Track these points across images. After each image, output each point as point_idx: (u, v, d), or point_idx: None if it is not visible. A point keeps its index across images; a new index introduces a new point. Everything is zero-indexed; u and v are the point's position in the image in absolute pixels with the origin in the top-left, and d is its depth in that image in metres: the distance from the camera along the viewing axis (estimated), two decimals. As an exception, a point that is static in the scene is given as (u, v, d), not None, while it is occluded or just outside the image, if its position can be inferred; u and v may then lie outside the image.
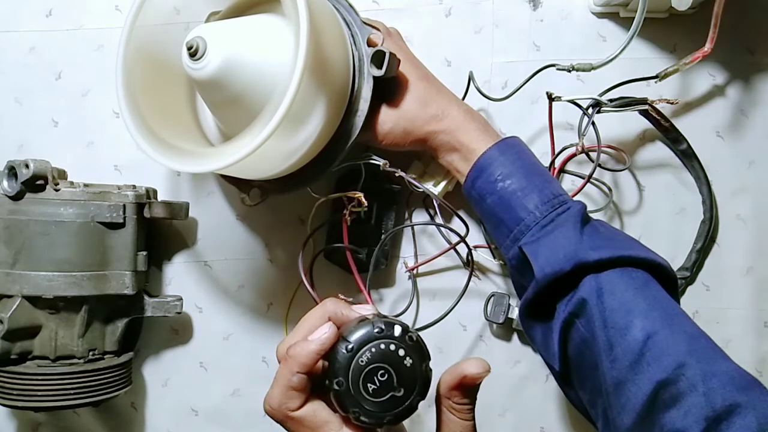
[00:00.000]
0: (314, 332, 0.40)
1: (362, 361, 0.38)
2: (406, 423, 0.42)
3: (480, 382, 0.41)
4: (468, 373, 0.41)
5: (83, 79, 0.63)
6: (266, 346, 0.63)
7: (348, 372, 0.38)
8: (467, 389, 0.41)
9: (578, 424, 0.62)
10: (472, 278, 0.59)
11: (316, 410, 0.40)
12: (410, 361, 0.39)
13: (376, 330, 0.39)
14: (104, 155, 0.63)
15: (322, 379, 0.40)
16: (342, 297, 0.44)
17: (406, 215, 0.63)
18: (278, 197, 0.55)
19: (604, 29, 0.62)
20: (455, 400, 0.41)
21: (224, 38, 0.44)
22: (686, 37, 0.61)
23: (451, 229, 0.58)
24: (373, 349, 0.39)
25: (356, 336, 0.39)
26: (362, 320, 0.40)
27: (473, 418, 0.42)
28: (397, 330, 0.39)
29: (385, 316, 0.41)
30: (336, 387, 0.39)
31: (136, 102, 0.47)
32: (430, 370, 0.40)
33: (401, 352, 0.39)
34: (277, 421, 0.40)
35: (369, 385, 0.38)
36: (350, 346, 0.39)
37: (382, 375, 0.39)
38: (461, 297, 0.58)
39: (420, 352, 0.40)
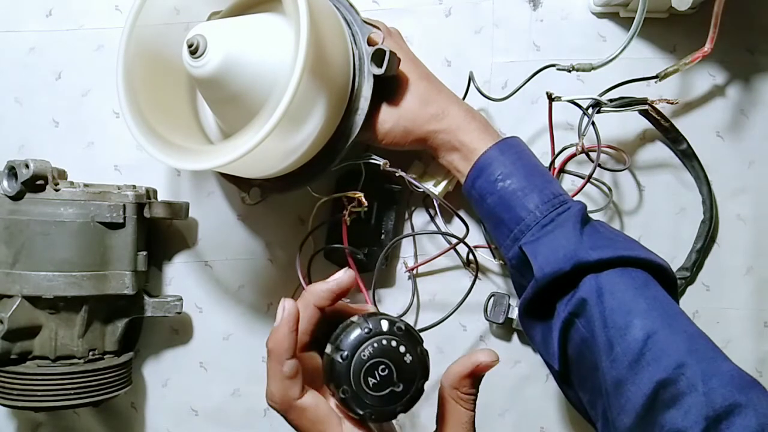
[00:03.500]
0: (276, 317, 0.40)
1: (360, 361, 0.39)
2: (402, 417, 0.43)
3: (484, 374, 0.42)
4: (481, 362, 0.41)
5: (83, 79, 0.63)
6: (266, 346, 0.63)
7: (349, 378, 0.39)
8: (476, 378, 0.42)
9: (578, 424, 0.62)
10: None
11: (318, 403, 0.40)
12: (404, 348, 0.39)
13: (364, 331, 0.39)
14: (104, 155, 0.63)
15: (320, 340, 0.41)
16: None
17: (406, 215, 0.63)
18: (278, 197, 0.55)
19: (604, 29, 0.62)
20: (464, 390, 0.42)
21: (225, 36, 0.44)
22: (686, 37, 0.61)
23: (452, 235, 0.58)
24: (371, 347, 0.39)
25: (347, 342, 0.39)
26: (348, 325, 0.40)
27: (474, 410, 0.43)
28: (384, 325, 0.39)
29: (371, 313, 0.41)
30: (342, 395, 0.39)
31: (136, 101, 0.47)
32: (426, 351, 0.40)
33: (393, 343, 0.39)
34: (282, 413, 0.41)
35: (370, 379, 0.39)
36: (344, 354, 0.39)
37: (383, 369, 0.39)
38: (466, 297, 0.58)
39: (412, 338, 0.40)
